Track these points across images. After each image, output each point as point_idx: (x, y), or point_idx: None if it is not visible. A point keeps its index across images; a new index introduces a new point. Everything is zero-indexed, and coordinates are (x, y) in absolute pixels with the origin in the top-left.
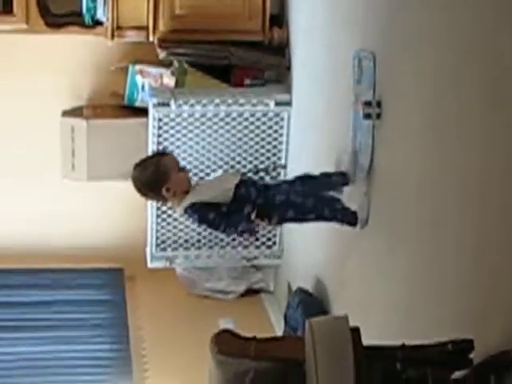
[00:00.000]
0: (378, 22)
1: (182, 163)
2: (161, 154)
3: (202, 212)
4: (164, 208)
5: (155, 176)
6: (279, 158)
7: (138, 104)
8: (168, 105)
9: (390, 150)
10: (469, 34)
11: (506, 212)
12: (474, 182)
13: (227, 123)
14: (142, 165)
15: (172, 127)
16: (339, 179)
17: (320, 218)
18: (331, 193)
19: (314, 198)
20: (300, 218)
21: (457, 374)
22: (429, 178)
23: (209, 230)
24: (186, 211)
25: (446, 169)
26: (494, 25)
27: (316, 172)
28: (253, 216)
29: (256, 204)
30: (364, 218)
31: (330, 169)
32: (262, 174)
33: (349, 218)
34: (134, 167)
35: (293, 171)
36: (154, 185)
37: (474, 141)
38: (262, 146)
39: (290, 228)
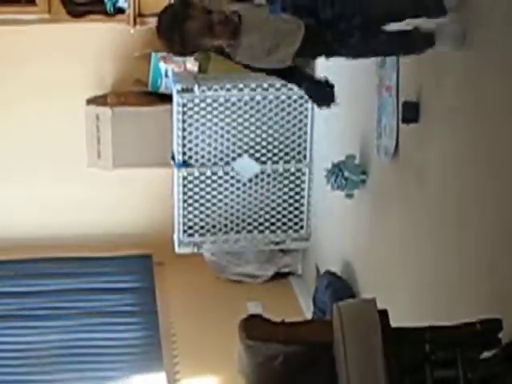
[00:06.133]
0: None
1: (207, 149)
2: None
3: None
4: (191, 193)
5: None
6: (305, 141)
7: (161, 90)
8: (192, 90)
9: (413, 137)
10: None
11: None
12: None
13: (251, 107)
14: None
15: (196, 112)
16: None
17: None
18: None
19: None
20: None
21: (486, 354)
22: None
23: (235, 215)
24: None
25: (476, 149)
26: None
27: None
28: None
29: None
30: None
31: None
32: None
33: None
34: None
35: (318, 156)
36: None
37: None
38: (287, 130)
39: (316, 211)
